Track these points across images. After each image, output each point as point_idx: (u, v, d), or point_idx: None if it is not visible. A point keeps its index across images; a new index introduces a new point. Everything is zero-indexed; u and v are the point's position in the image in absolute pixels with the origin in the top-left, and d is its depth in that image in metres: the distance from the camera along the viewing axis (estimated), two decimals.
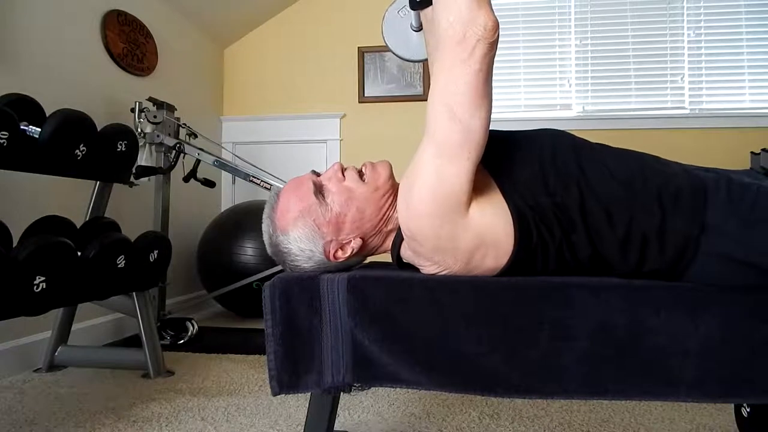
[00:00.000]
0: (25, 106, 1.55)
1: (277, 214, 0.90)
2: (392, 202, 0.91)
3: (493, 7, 0.73)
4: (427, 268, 0.86)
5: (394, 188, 0.91)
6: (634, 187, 0.80)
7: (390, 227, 0.92)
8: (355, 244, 0.89)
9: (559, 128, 0.91)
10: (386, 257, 1.04)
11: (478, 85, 0.73)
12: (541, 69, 3.22)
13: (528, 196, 0.80)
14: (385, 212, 0.91)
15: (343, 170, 0.92)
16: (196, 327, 2.30)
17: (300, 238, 0.88)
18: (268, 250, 0.94)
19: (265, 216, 0.92)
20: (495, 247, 0.80)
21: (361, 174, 0.92)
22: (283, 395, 0.83)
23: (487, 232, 0.79)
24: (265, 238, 0.93)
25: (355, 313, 0.80)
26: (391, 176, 0.93)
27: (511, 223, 0.79)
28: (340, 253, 0.89)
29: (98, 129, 1.64)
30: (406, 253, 0.90)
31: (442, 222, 0.78)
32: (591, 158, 0.83)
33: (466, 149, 0.75)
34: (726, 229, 0.75)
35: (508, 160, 0.84)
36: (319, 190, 0.89)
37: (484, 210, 0.79)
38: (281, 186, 0.99)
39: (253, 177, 2.30)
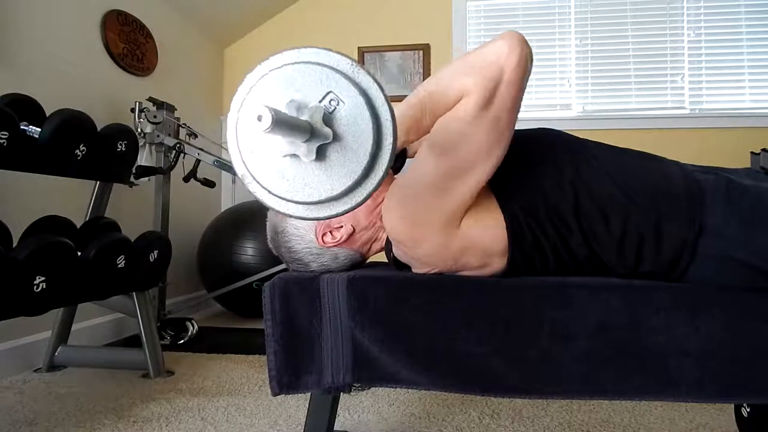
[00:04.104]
0: (25, 106, 1.55)
1: None
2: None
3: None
4: (418, 268, 0.87)
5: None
6: (631, 188, 0.79)
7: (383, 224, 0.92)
8: (345, 230, 0.91)
9: (557, 128, 0.91)
10: (385, 257, 1.04)
11: (519, 101, 0.75)
12: (541, 69, 3.22)
13: (521, 198, 0.80)
14: (379, 203, 0.93)
15: None
16: (196, 327, 2.30)
17: None
18: (269, 237, 0.97)
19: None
20: (484, 251, 0.81)
21: None
22: (283, 395, 0.83)
23: (476, 239, 0.80)
24: (267, 225, 0.97)
25: (355, 313, 0.80)
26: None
27: (504, 227, 0.79)
28: (329, 237, 0.91)
29: (98, 129, 1.64)
30: (398, 253, 0.90)
31: (439, 234, 0.79)
32: (587, 158, 0.83)
33: (488, 166, 0.76)
34: (726, 231, 0.75)
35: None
36: None
37: (478, 215, 0.79)
38: None
39: None
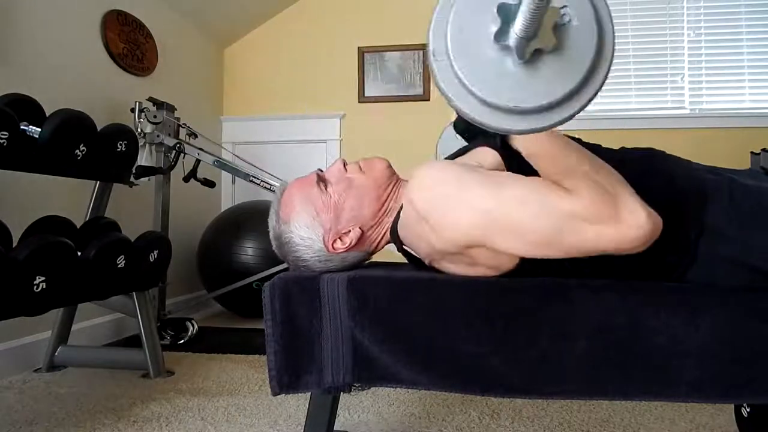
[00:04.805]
0: (25, 106, 1.55)
1: (281, 206, 0.93)
2: (392, 192, 0.93)
3: None
4: (414, 242, 0.87)
5: (393, 179, 0.94)
6: (635, 189, 0.79)
7: (391, 219, 0.92)
8: (354, 234, 0.90)
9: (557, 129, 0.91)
10: (387, 257, 1.04)
11: (583, 254, 0.72)
12: None
13: None
14: (384, 201, 0.92)
15: (345, 164, 0.95)
16: (196, 327, 2.30)
17: (300, 225, 0.90)
18: (273, 245, 0.96)
19: (271, 212, 0.95)
20: (486, 267, 0.81)
21: (360, 168, 0.95)
22: (283, 395, 0.83)
23: (483, 260, 0.80)
24: (270, 233, 0.95)
25: (355, 313, 0.80)
26: (389, 167, 0.95)
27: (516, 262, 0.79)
28: (338, 243, 0.90)
29: (98, 129, 1.64)
30: (402, 232, 0.89)
31: (450, 240, 0.79)
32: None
33: (522, 251, 0.74)
34: (727, 231, 0.75)
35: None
36: (321, 180, 0.92)
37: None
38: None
39: (253, 177, 2.30)
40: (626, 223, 0.65)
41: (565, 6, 0.46)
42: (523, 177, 0.74)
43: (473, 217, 0.73)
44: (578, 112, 0.47)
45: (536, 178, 0.72)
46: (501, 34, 0.46)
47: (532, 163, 0.73)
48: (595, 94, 0.47)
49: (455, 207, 0.75)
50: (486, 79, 0.47)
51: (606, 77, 0.47)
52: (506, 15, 0.44)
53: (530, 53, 0.45)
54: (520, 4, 0.43)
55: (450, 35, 0.47)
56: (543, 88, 0.46)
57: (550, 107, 0.47)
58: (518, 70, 0.47)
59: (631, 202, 0.66)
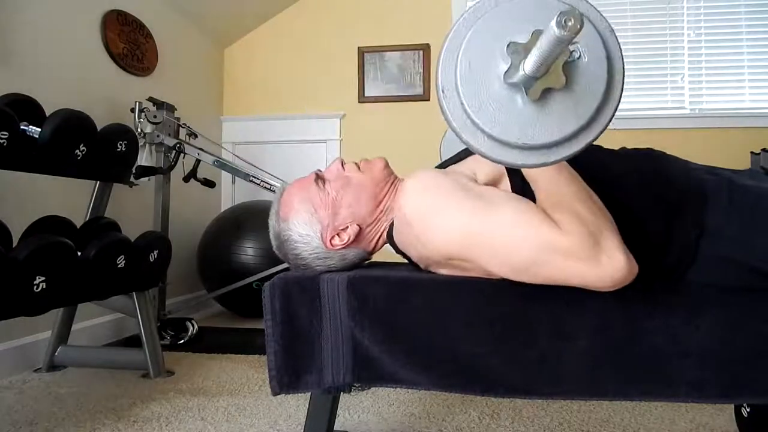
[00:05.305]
0: (25, 106, 1.54)
1: (281, 205, 0.94)
2: (389, 190, 0.94)
3: None
4: (408, 248, 0.88)
5: (390, 178, 0.95)
6: (635, 191, 0.79)
7: (390, 217, 0.93)
8: (352, 230, 0.90)
9: None
10: (387, 257, 1.04)
11: (555, 284, 0.74)
12: None
13: None
14: (382, 200, 0.93)
15: (343, 163, 0.96)
16: (196, 327, 2.30)
17: (299, 222, 0.91)
18: (273, 244, 0.96)
19: (271, 212, 0.96)
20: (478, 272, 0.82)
21: (358, 167, 0.96)
22: (283, 395, 0.83)
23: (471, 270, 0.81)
24: (271, 232, 0.96)
25: (355, 313, 0.80)
26: (387, 167, 0.96)
27: None
28: (336, 239, 0.91)
29: (98, 129, 1.64)
30: (396, 235, 0.90)
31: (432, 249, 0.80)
32: (591, 160, 0.83)
33: (494, 269, 0.75)
34: (727, 232, 0.75)
35: None
36: (319, 178, 0.93)
37: None
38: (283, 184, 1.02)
39: (253, 177, 2.30)
40: (603, 266, 0.66)
41: (575, 42, 0.46)
42: (518, 199, 0.75)
43: (454, 233, 0.75)
44: (588, 145, 0.47)
45: (530, 204, 0.73)
46: (510, 73, 0.46)
47: (532, 187, 0.74)
48: (605, 127, 0.47)
49: (439, 220, 0.77)
50: (496, 116, 0.47)
51: (616, 110, 0.47)
52: (516, 54, 0.44)
53: (540, 92, 0.46)
54: (532, 44, 0.43)
55: (459, 72, 0.48)
56: (553, 124, 0.46)
57: (560, 142, 0.47)
58: (528, 108, 0.47)
59: (612, 246, 0.67)
